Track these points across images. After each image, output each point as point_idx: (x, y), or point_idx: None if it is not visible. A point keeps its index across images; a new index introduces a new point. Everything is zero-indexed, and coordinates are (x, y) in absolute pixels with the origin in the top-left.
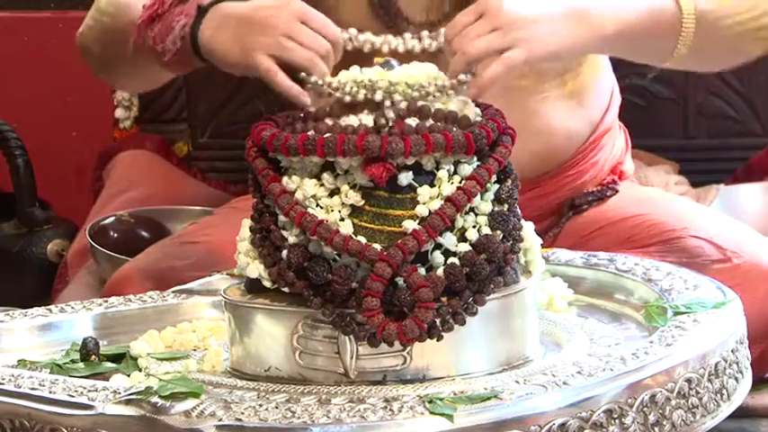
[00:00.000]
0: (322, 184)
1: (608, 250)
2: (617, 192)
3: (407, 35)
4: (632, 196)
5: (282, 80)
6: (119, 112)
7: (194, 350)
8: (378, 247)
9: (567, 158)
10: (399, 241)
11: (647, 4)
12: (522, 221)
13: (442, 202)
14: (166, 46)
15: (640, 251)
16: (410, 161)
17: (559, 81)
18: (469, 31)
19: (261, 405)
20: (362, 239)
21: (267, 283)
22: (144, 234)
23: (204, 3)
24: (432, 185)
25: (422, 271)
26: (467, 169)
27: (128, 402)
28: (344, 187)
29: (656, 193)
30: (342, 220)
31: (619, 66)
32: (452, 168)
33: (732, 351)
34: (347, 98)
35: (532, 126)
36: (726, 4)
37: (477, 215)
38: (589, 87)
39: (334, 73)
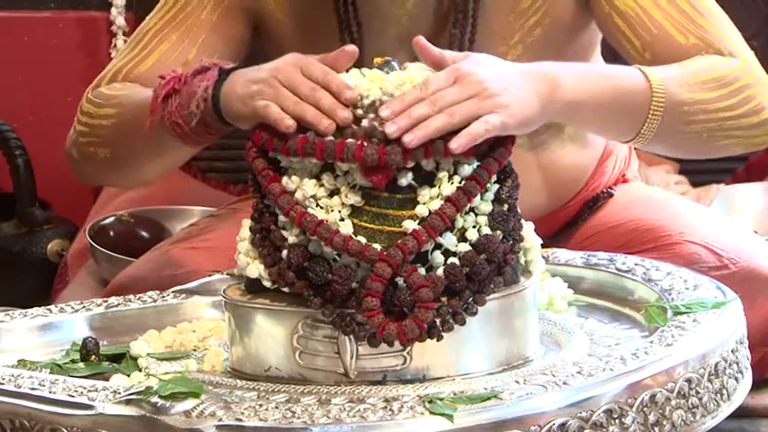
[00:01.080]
0: (322, 185)
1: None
2: (611, 196)
3: None
4: (631, 197)
5: (274, 111)
6: None
7: (194, 350)
8: (378, 247)
9: (572, 195)
10: (399, 241)
11: (616, 81)
12: (522, 221)
13: (442, 202)
14: (191, 109)
15: (637, 256)
16: (410, 164)
17: (556, 128)
18: (446, 94)
19: (261, 405)
20: (362, 239)
21: (267, 283)
22: (144, 234)
23: (226, 67)
24: (432, 186)
25: (422, 271)
26: (467, 169)
27: (128, 402)
28: (344, 188)
29: (655, 193)
30: (342, 220)
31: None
32: (452, 169)
33: (732, 351)
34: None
35: (537, 178)
36: (700, 96)
37: (477, 215)
38: None
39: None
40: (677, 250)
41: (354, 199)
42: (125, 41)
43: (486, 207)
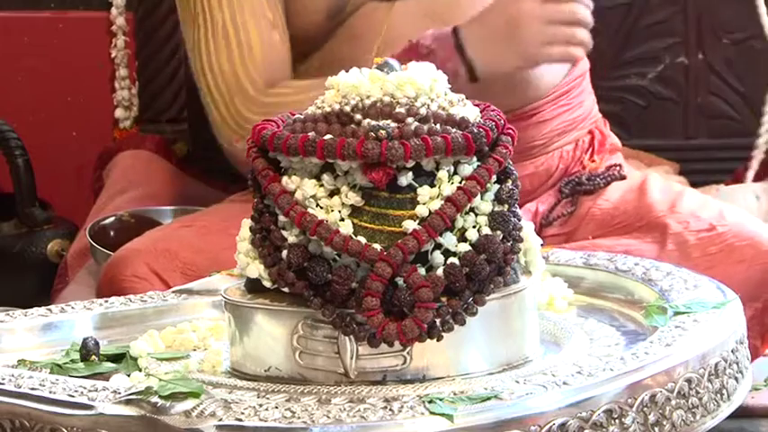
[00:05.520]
0: (322, 185)
1: (598, 237)
2: (624, 178)
3: None
4: (629, 184)
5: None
6: (119, 112)
7: (194, 350)
8: (378, 247)
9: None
10: (399, 241)
11: None
12: (522, 222)
13: (442, 202)
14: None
15: (629, 236)
16: (410, 164)
17: None
18: None
19: (261, 405)
20: (362, 239)
21: (267, 283)
22: None
23: None
24: (432, 186)
25: (422, 271)
26: (467, 169)
27: (128, 402)
28: (344, 188)
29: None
30: (342, 220)
31: (619, 66)
32: (452, 169)
33: (732, 351)
34: (347, 108)
35: None
36: None
37: (477, 215)
38: None
39: (334, 73)
40: (666, 221)
41: (354, 199)
42: (125, 41)
43: (487, 207)
